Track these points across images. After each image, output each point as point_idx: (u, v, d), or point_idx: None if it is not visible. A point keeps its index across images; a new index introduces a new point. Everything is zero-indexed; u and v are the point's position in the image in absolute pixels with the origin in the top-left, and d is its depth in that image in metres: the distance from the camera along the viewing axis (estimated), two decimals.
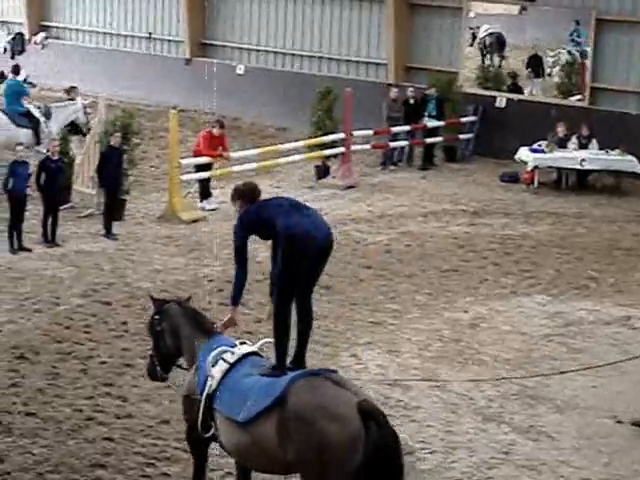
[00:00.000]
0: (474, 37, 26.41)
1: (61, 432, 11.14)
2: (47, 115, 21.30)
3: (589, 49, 24.65)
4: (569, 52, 25.50)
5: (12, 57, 34.04)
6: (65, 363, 12.96)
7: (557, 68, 25.72)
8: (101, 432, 11.18)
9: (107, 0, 32.33)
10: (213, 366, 8.84)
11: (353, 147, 22.96)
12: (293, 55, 28.86)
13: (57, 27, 33.84)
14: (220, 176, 21.15)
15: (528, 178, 22.74)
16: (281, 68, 29.08)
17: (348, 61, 27.91)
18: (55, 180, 17.88)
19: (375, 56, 27.44)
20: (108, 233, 18.34)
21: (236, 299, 9.13)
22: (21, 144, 18.46)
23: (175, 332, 9.49)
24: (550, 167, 23.06)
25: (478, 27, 26.43)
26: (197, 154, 20.69)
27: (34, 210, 18.34)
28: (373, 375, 13.00)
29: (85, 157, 19.81)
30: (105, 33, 32.63)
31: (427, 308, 15.48)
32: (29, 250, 17.31)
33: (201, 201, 20.58)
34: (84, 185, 19.79)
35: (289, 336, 8.85)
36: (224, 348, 8.94)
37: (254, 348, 9.12)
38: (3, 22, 35.02)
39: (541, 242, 18.95)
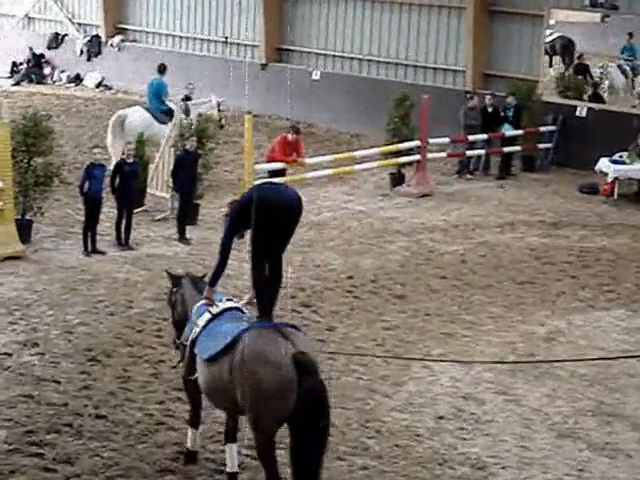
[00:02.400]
0: None
1: (131, 436, 11.11)
2: (186, 112, 22.10)
3: None
4: (619, 67, 25.11)
5: (88, 59, 34.47)
6: (136, 367, 12.96)
7: (606, 83, 25.34)
8: (171, 437, 11.14)
9: (184, 4, 32.56)
10: (199, 317, 9.92)
11: (429, 155, 22.74)
12: (370, 61, 28.74)
13: (133, 30, 34.13)
14: (295, 182, 21.10)
15: (608, 189, 22.33)
16: (357, 74, 28.97)
17: (425, 68, 27.71)
18: (130, 183, 17.93)
19: (453, 63, 27.21)
20: (181, 237, 18.35)
21: (213, 282, 9.96)
22: (98, 147, 18.57)
23: (183, 299, 10.61)
24: (631, 179, 22.63)
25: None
26: (271, 160, 20.62)
27: (109, 213, 18.45)
28: (446, 387, 12.83)
29: (160, 161, 19.86)
30: (181, 37, 32.82)
31: (502, 320, 15.24)
32: (103, 253, 17.38)
33: None
34: (159, 189, 19.84)
35: (266, 291, 9.62)
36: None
37: (237, 305, 10.07)
38: (80, 24, 35.41)
39: (620, 255, 18.56)
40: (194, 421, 10.60)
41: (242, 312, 9.94)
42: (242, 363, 9.07)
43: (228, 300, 10.17)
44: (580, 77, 25.67)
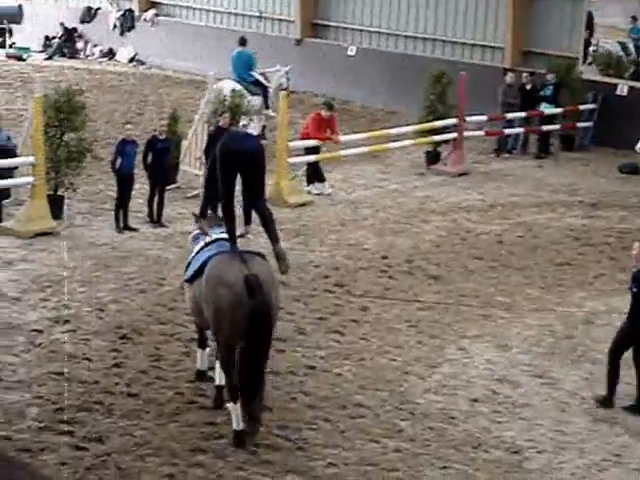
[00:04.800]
0: None
1: (162, 415, 11.05)
2: (268, 81, 23.19)
3: None
4: (621, 44, 24.76)
5: (121, 34, 34.40)
6: (168, 345, 12.89)
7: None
8: (202, 416, 11.08)
9: None
10: (195, 244, 11.29)
11: (466, 133, 22.47)
12: (406, 37, 28.45)
13: (167, 4, 34.00)
14: (329, 159, 20.93)
15: None
16: (394, 50, 28.70)
17: (463, 44, 27.40)
18: (162, 160, 17.77)
19: (491, 39, 26.89)
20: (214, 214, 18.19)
21: (203, 214, 11.47)
22: (130, 123, 18.46)
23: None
24: None
25: None
26: (305, 137, 20.41)
27: (141, 189, 18.34)
28: (481, 370, 12.69)
29: (193, 137, 19.71)
30: (215, 11, 32.65)
31: (539, 302, 15.05)
32: (135, 230, 17.27)
33: (308, 185, 20.32)
34: (191, 166, 19.69)
35: (235, 223, 10.99)
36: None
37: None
38: None
39: None
40: (200, 342, 11.74)
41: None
42: (205, 284, 10.45)
43: (222, 232, 11.18)
44: None
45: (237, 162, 10.78)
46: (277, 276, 10.98)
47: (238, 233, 11.06)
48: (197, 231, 11.51)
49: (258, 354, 10.25)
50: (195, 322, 11.69)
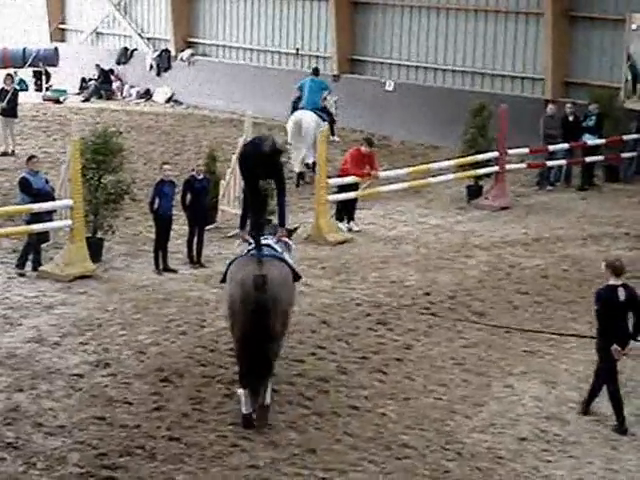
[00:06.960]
0: None
1: (205, 458, 10.90)
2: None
3: None
4: (631, 67, 24.54)
5: (158, 74, 34.57)
6: (210, 387, 12.73)
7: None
8: (245, 459, 10.90)
9: (254, 16, 32.52)
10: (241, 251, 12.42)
11: (507, 166, 22.30)
12: (445, 70, 28.40)
13: (203, 44, 34.17)
14: (369, 196, 20.80)
15: None
16: (432, 84, 28.65)
17: (503, 76, 27.30)
18: (200, 200, 17.70)
19: (531, 71, 26.78)
20: None
21: (242, 226, 12.59)
22: (168, 163, 18.41)
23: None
24: None
25: None
26: (344, 173, 20.27)
27: (180, 230, 18.28)
28: (528, 407, 12.45)
29: (231, 177, 19.66)
30: (252, 49, 32.79)
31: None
32: (174, 271, 17.17)
33: (348, 222, 20.08)
34: (230, 205, 19.61)
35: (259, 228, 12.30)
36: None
37: (268, 241, 12.20)
38: (149, 39, 35.53)
39: None
40: (242, 380, 11.87)
41: (271, 247, 12.03)
42: (227, 284, 11.84)
43: (265, 239, 12.20)
44: None
45: (255, 165, 11.92)
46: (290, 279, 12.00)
47: (277, 236, 12.34)
48: (239, 240, 12.73)
49: (258, 343, 11.34)
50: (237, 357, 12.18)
